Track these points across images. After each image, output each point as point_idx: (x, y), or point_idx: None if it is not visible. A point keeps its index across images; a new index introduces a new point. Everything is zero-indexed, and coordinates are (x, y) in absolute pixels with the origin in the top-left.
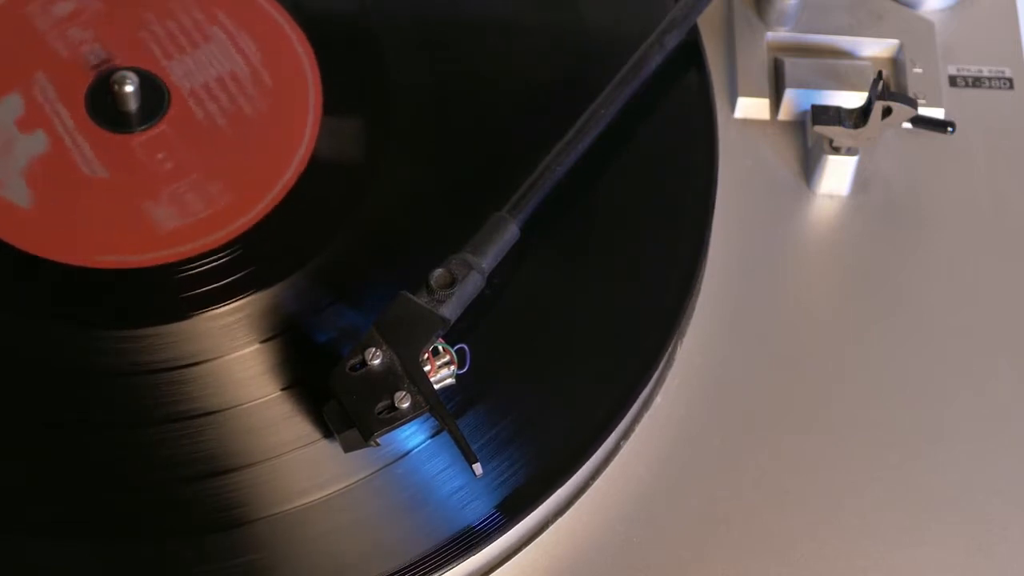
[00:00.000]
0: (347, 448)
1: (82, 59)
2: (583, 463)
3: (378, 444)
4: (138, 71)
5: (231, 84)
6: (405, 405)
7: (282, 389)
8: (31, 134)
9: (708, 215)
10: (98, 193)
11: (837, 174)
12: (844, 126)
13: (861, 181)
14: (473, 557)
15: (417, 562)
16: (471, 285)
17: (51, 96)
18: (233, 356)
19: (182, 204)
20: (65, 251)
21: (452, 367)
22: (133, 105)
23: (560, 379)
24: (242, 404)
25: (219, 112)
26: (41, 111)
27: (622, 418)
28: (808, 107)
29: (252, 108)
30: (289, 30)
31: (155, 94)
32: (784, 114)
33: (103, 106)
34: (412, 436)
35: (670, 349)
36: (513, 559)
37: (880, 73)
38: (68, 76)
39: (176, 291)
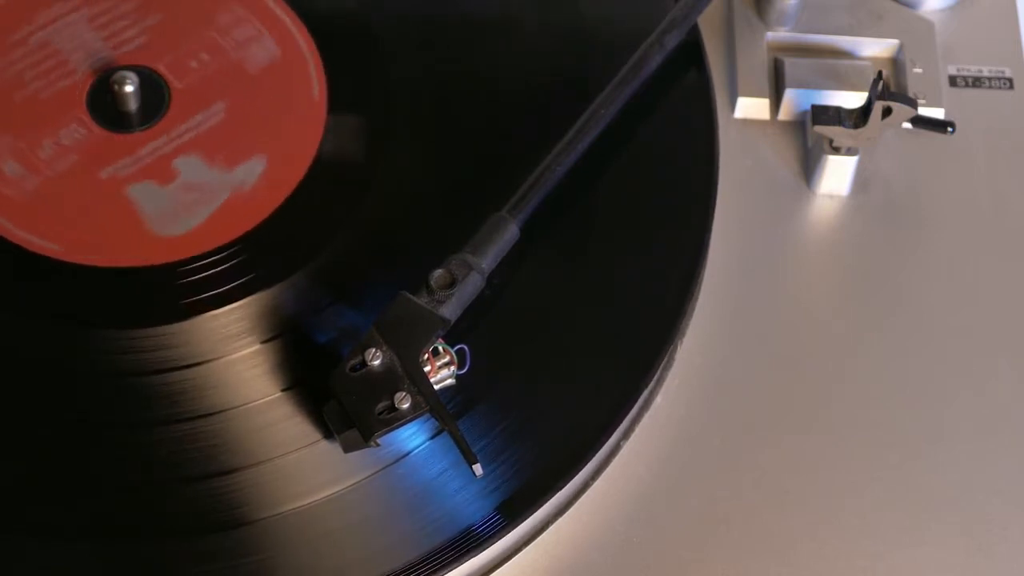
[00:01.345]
0: (347, 449)
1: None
2: (583, 463)
3: (378, 445)
4: (137, 70)
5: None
6: (405, 406)
7: (282, 390)
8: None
9: (708, 215)
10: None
11: (837, 174)
12: (844, 126)
13: (861, 181)
14: (473, 557)
15: (418, 563)
16: (471, 285)
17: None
18: (233, 357)
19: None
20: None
21: (452, 367)
22: (134, 105)
23: (560, 379)
24: (243, 405)
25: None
26: None
27: (622, 418)
28: (808, 107)
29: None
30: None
31: (155, 91)
32: (784, 114)
33: (104, 107)
34: (412, 437)
35: (670, 349)
36: (513, 559)
37: (880, 73)
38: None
39: (176, 291)
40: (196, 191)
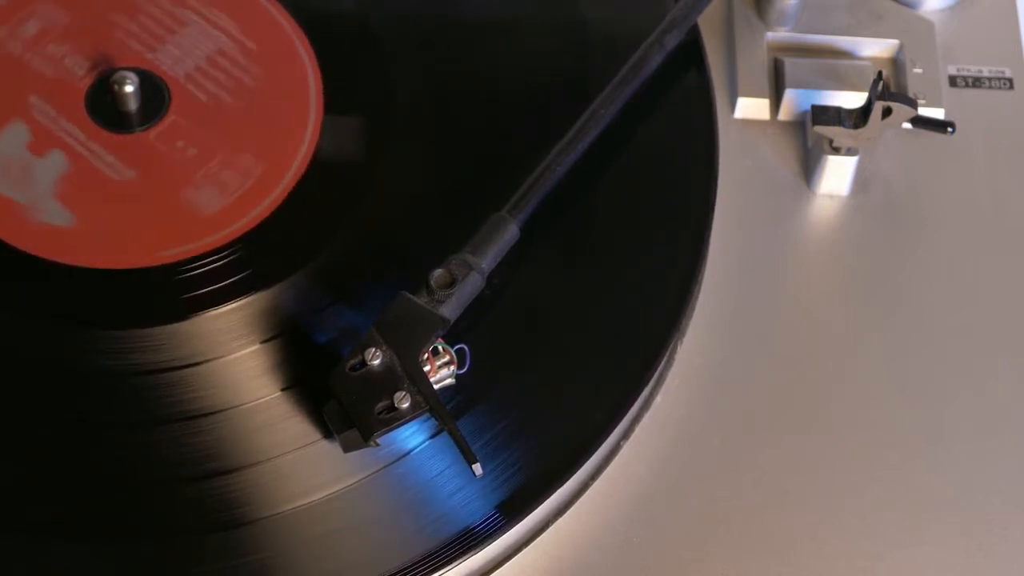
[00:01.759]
0: (347, 448)
1: (69, 72)
2: (583, 463)
3: (378, 444)
4: (137, 70)
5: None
6: (405, 405)
7: (282, 389)
8: (47, 156)
9: (708, 215)
10: (136, 193)
11: (837, 174)
12: (844, 126)
13: (861, 181)
14: (473, 557)
15: (417, 562)
16: (471, 285)
17: (52, 115)
18: (233, 356)
19: (220, 184)
20: (120, 258)
21: (452, 367)
22: (134, 104)
23: (560, 379)
24: (242, 404)
25: (224, 93)
26: (48, 132)
27: (622, 418)
28: (808, 107)
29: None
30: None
31: (154, 90)
32: (784, 114)
33: (104, 108)
34: (412, 436)
35: (670, 349)
36: (513, 559)
37: (880, 73)
38: (61, 92)
39: (176, 291)
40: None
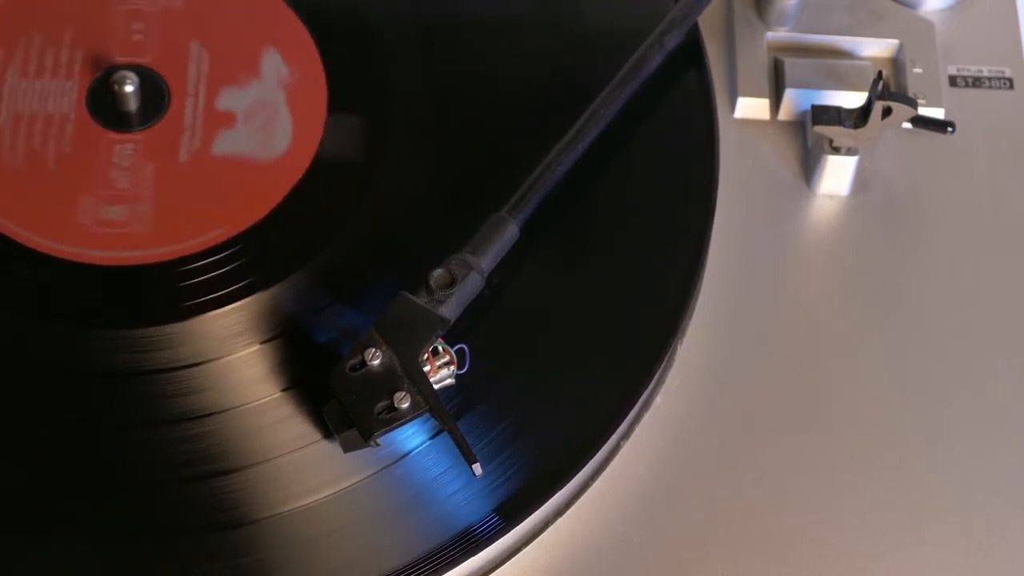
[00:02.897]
0: (347, 448)
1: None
2: (583, 463)
3: (378, 444)
4: (137, 69)
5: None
6: (405, 405)
7: (282, 390)
8: None
9: (708, 215)
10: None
11: (837, 174)
12: (844, 126)
13: (861, 181)
14: (473, 557)
15: (417, 563)
16: (471, 285)
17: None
18: (233, 357)
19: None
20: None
21: (452, 367)
22: (134, 104)
23: (560, 379)
24: (242, 405)
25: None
26: None
27: (622, 418)
28: (808, 107)
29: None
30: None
31: (154, 91)
32: (784, 114)
33: (104, 108)
34: (412, 437)
35: (670, 349)
36: (513, 559)
37: (880, 73)
38: None
39: (176, 291)
40: (259, 110)
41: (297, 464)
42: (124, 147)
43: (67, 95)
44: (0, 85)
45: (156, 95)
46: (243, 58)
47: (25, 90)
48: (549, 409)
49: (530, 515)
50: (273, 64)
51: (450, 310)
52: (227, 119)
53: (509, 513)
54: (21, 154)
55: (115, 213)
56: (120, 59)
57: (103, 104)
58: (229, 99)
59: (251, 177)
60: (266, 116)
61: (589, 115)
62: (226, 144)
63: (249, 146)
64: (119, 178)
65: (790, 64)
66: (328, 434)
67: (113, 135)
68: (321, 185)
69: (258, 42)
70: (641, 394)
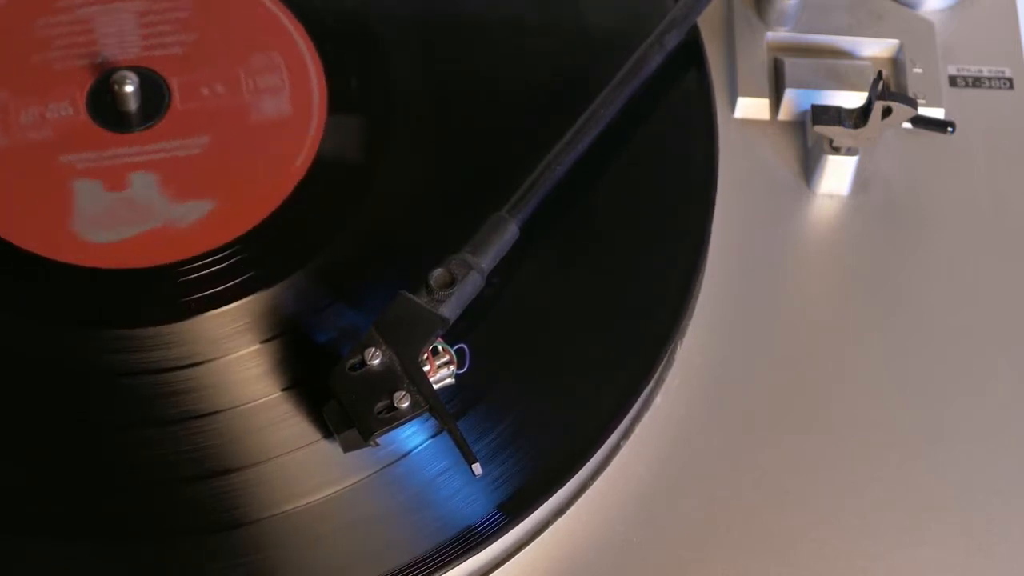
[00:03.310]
0: (347, 448)
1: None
2: (583, 463)
3: (378, 444)
4: (137, 69)
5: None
6: (404, 405)
7: (282, 389)
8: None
9: (708, 215)
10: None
11: (837, 174)
12: (844, 126)
13: (861, 181)
14: (473, 557)
15: (417, 562)
16: (471, 285)
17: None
18: (233, 356)
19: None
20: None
21: (452, 367)
22: (134, 104)
23: (560, 379)
24: (242, 404)
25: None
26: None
27: (622, 418)
28: (808, 107)
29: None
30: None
31: (154, 91)
32: (784, 114)
33: (104, 108)
34: (412, 436)
35: (670, 349)
36: (513, 559)
37: (880, 73)
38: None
39: (176, 291)
40: (135, 209)
41: (297, 464)
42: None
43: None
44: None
45: (156, 95)
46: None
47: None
48: (549, 409)
49: (530, 515)
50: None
51: (450, 310)
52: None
53: (509, 513)
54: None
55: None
56: (122, 59)
57: (103, 103)
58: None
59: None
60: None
61: (589, 115)
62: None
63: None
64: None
65: (790, 64)
66: (328, 434)
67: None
68: (321, 185)
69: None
70: (641, 394)
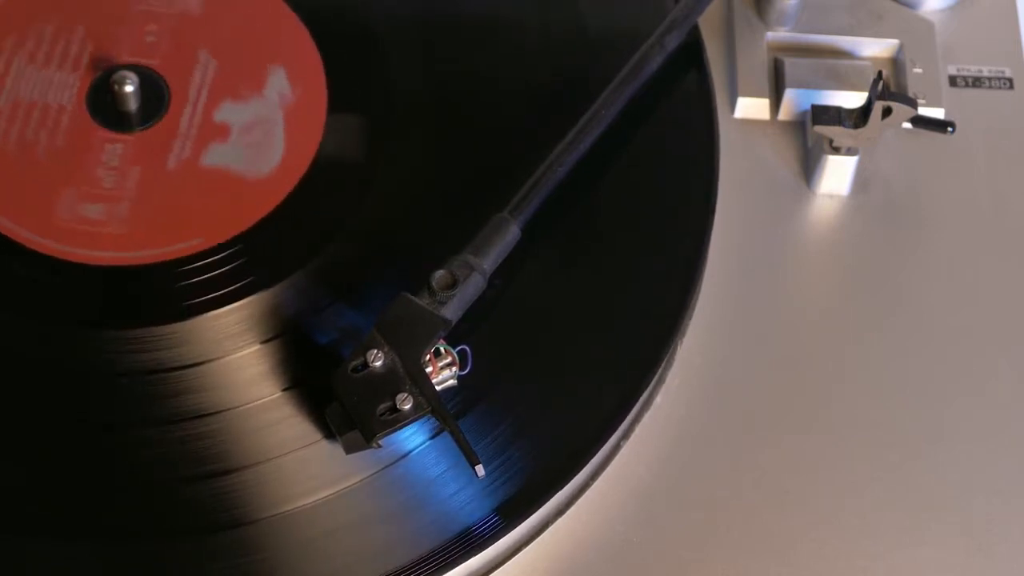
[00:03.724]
0: (349, 450)
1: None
2: (583, 463)
3: (380, 446)
4: (137, 69)
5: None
6: (407, 407)
7: (283, 390)
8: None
9: (708, 215)
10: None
11: (837, 174)
12: (844, 126)
13: (861, 181)
14: (473, 557)
15: (418, 563)
16: (472, 286)
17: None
18: (234, 357)
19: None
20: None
21: (454, 368)
22: (134, 104)
23: (560, 380)
24: (243, 405)
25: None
26: None
27: (622, 418)
28: (808, 107)
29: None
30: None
31: (154, 91)
32: (784, 114)
33: (104, 107)
34: (413, 437)
35: (670, 349)
36: (513, 559)
37: (880, 73)
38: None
39: (176, 291)
40: (255, 126)
41: (298, 464)
42: (114, 147)
43: (69, 89)
44: (7, 67)
45: (156, 98)
46: (249, 73)
47: (29, 76)
48: (549, 409)
49: (530, 515)
50: (278, 83)
51: (452, 311)
52: (222, 132)
53: (509, 513)
54: (12, 141)
55: (94, 211)
56: (128, 59)
57: (103, 103)
58: (228, 112)
59: (236, 192)
60: (261, 134)
61: (590, 116)
62: (215, 157)
63: (238, 162)
64: (104, 177)
65: (790, 64)
66: (330, 435)
67: (106, 133)
68: (321, 185)
69: (266, 58)
70: (641, 394)
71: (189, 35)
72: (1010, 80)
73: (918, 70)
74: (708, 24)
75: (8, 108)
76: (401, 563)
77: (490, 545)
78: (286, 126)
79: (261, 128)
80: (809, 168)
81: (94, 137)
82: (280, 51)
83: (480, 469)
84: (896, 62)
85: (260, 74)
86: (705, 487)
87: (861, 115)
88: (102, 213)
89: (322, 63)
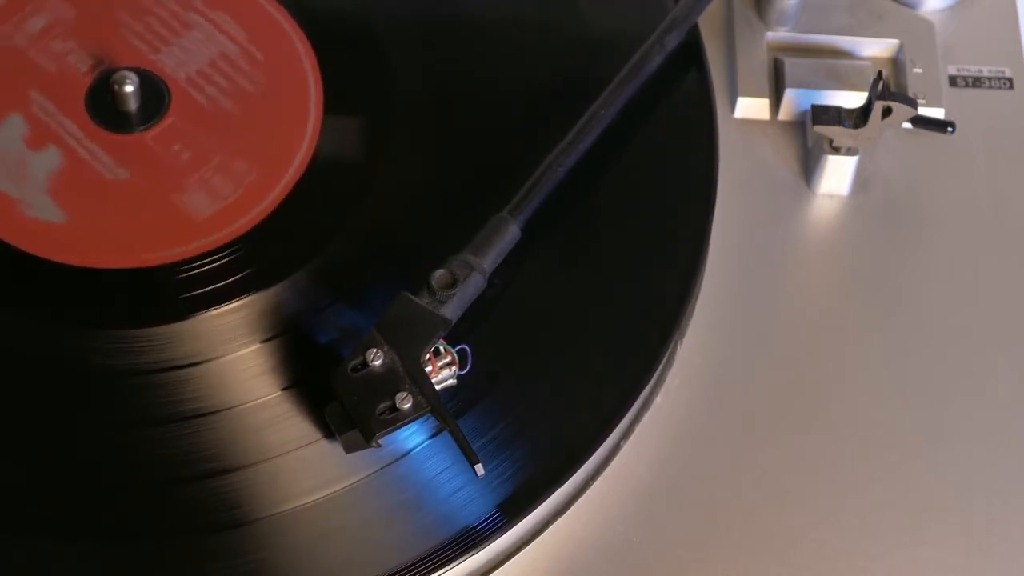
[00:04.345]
0: (349, 449)
1: (71, 69)
2: (583, 463)
3: (380, 445)
4: (137, 70)
5: (226, 75)
6: (407, 406)
7: (283, 389)
8: (43, 151)
9: (708, 215)
10: (126, 194)
11: (837, 174)
12: (844, 126)
13: (861, 181)
14: (473, 557)
15: (417, 562)
16: (472, 286)
17: (51, 110)
18: (233, 356)
19: (211, 189)
20: (114, 258)
21: (453, 368)
22: (134, 104)
23: (560, 379)
24: (242, 404)
25: (222, 96)
26: (46, 127)
27: (622, 418)
28: (808, 107)
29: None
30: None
31: (154, 91)
32: (784, 114)
33: (104, 108)
34: (412, 436)
35: (670, 349)
36: (513, 559)
37: (880, 73)
38: (62, 88)
39: (176, 291)
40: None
41: (297, 464)
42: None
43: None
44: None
45: (156, 95)
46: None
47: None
48: (549, 409)
49: (530, 515)
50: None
51: (452, 311)
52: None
53: (509, 512)
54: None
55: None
56: (122, 60)
57: (103, 104)
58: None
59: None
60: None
61: (590, 115)
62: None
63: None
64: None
65: (790, 64)
66: (329, 434)
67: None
68: (321, 185)
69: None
70: (641, 394)
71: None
72: (1010, 80)
73: (918, 70)
74: (708, 24)
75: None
76: (401, 562)
77: (490, 544)
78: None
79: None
80: (809, 168)
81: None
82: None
83: (480, 468)
84: (896, 62)
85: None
86: (705, 487)
87: (861, 115)
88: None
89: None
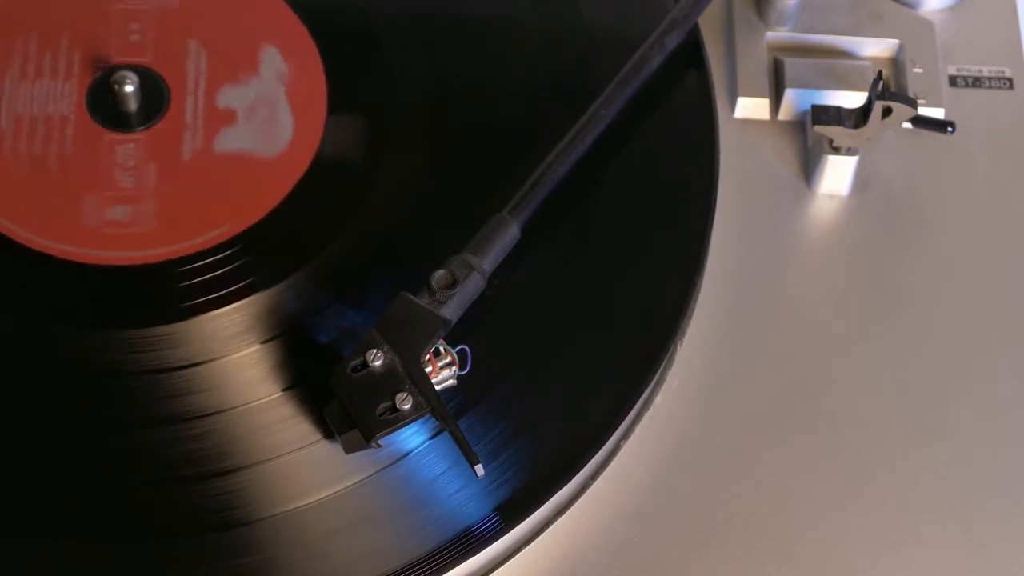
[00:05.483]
0: (348, 450)
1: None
2: (583, 463)
3: (380, 446)
4: (137, 70)
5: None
6: (406, 406)
7: (283, 390)
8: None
9: (708, 215)
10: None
11: (837, 174)
12: (844, 126)
13: (861, 181)
14: (473, 557)
15: (417, 563)
16: (472, 286)
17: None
18: (234, 356)
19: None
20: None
21: (453, 368)
22: (134, 104)
23: (560, 379)
24: (243, 404)
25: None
26: None
27: (622, 418)
28: (808, 107)
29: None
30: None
31: (155, 93)
32: (784, 114)
33: (104, 108)
34: (412, 437)
35: (670, 349)
36: (513, 560)
37: (880, 73)
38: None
39: (177, 291)
40: (259, 106)
41: (297, 464)
42: (126, 147)
43: (66, 97)
44: None
45: (156, 95)
46: (241, 55)
47: (24, 92)
48: (549, 409)
49: (530, 515)
50: (272, 61)
51: (452, 311)
52: (228, 116)
53: (509, 513)
54: (23, 156)
55: (119, 213)
56: (118, 60)
57: (103, 104)
58: (229, 97)
59: (254, 174)
60: (267, 113)
61: (590, 115)
62: (228, 141)
63: (251, 142)
64: (123, 178)
65: (790, 64)
66: (329, 434)
67: (114, 135)
68: (322, 185)
69: (256, 39)
70: (641, 394)
71: (173, 28)
72: (1010, 80)
73: (918, 70)
74: (708, 24)
75: (12, 126)
76: (401, 563)
77: (490, 545)
78: (290, 100)
79: (266, 106)
80: (809, 168)
81: (103, 140)
82: (270, 31)
83: (480, 469)
84: (896, 62)
85: (253, 55)
86: (705, 487)
87: (861, 115)
88: (128, 214)
89: (321, 61)
